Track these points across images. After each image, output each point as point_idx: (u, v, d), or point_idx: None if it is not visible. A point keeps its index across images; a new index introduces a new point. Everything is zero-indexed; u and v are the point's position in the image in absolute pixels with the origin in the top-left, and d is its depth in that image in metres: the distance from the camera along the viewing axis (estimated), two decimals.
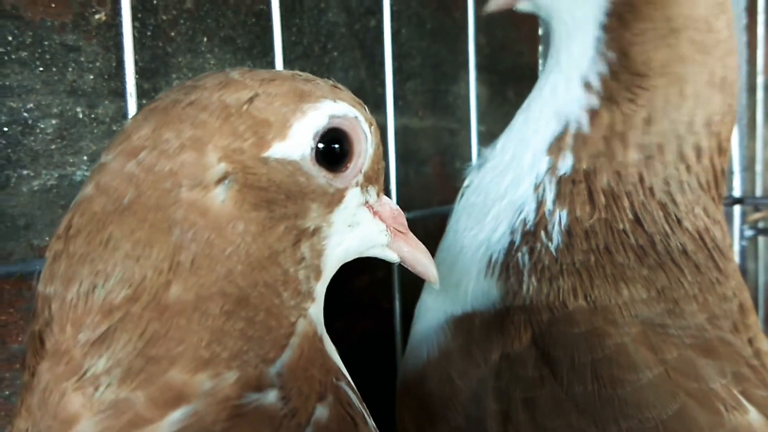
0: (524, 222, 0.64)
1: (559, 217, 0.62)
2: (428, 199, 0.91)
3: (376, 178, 0.46)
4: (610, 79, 0.62)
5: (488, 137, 0.85)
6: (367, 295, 0.86)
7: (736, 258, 0.85)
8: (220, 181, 0.37)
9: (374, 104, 0.86)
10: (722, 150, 0.63)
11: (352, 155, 0.43)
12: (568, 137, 0.64)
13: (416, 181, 0.93)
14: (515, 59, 1.07)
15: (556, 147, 0.64)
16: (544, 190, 0.64)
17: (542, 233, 0.62)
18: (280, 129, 0.39)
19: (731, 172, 0.84)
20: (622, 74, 0.62)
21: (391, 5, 0.82)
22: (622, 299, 0.58)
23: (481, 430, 0.57)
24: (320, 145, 0.41)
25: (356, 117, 0.43)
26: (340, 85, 0.44)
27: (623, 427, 0.51)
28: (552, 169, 0.64)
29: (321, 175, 0.41)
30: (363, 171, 0.44)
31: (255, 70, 0.42)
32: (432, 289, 0.67)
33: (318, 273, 0.42)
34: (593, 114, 0.63)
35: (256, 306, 0.38)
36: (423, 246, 0.50)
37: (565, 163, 0.63)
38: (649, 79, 0.61)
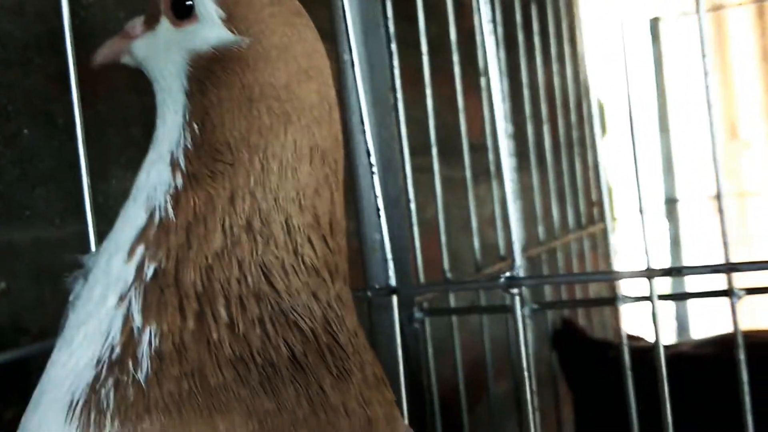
0: (111, 348, 0.52)
1: (149, 336, 0.52)
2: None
3: None
4: (193, 154, 0.55)
5: None
6: None
7: (400, 348, 0.80)
8: None
9: None
10: (323, 225, 0.56)
11: None
12: (152, 229, 0.54)
13: (52, 302, 0.82)
14: None
15: (139, 243, 0.54)
16: (130, 304, 0.53)
17: (129, 360, 0.51)
18: None
19: (385, 260, 0.78)
20: (204, 148, 0.54)
21: None
22: None
23: None
24: None
25: None
26: None
27: None
28: (139, 273, 0.53)
29: None
30: None
31: None
32: None
33: None
34: (177, 197, 0.54)
35: None
36: None
37: (151, 264, 0.53)
38: (230, 153, 0.54)
